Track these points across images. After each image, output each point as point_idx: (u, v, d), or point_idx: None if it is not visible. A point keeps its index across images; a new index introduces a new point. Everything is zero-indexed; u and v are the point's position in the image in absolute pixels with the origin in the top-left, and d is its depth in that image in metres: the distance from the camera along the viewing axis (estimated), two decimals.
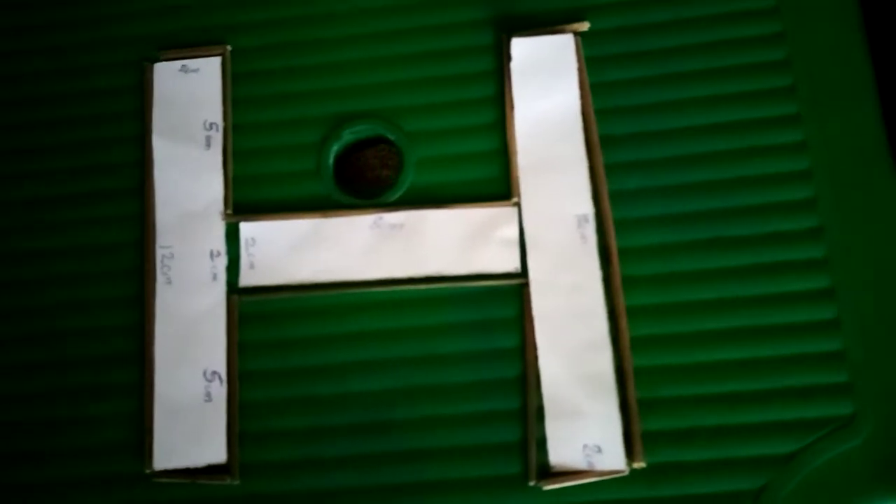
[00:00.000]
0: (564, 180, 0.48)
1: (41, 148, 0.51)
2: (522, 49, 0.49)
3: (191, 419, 0.46)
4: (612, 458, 0.44)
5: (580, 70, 0.49)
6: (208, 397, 0.46)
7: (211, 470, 0.45)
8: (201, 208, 0.49)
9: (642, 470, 0.44)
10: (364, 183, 0.50)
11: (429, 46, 0.51)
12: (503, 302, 0.47)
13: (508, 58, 0.50)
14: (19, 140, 0.52)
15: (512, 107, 0.49)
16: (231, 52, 0.52)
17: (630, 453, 0.44)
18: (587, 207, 0.47)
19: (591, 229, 0.47)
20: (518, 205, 0.48)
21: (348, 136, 0.50)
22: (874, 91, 0.48)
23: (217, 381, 0.47)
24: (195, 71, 0.51)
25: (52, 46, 0.53)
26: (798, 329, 0.45)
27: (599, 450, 0.44)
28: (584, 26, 0.50)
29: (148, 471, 0.45)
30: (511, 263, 0.47)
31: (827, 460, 0.43)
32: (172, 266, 0.48)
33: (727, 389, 0.44)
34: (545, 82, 0.49)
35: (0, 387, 0.48)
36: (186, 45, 0.52)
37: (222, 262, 0.48)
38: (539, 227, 0.47)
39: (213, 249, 0.49)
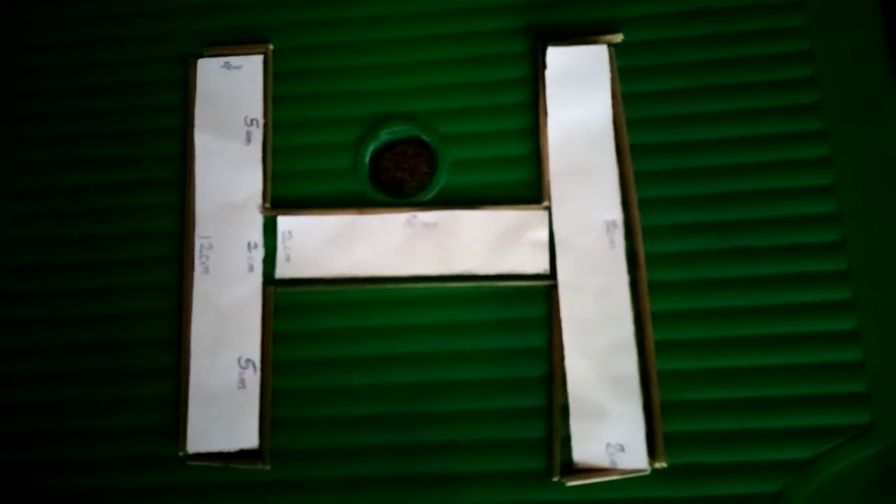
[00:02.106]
0: (595, 186, 0.48)
1: (87, 136, 0.52)
2: (557, 58, 0.50)
3: (225, 405, 0.46)
4: (634, 457, 0.44)
5: (613, 80, 0.49)
6: (242, 384, 0.47)
7: (243, 455, 0.46)
8: (240, 201, 0.49)
9: (664, 470, 0.44)
10: (378, 184, 0.50)
11: (466, 52, 0.51)
12: (532, 302, 0.47)
13: (543, 66, 0.50)
14: (65, 128, 0.52)
15: (545, 113, 0.49)
16: (273, 51, 0.52)
17: (652, 453, 0.44)
18: (616, 213, 0.47)
19: (619, 235, 0.47)
20: (549, 208, 0.48)
21: (385, 136, 0.51)
22: None
23: (251, 369, 0.47)
24: (238, 68, 0.52)
25: (100, 39, 0.53)
26: (819, 338, 0.45)
27: (622, 449, 0.44)
28: (618, 38, 0.50)
29: (182, 453, 0.46)
30: (540, 265, 0.47)
31: (844, 467, 0.43)
32: (211, 256, 0.49)
33: (748, 395, 0.45)
34: (578, 91, 0.49)
35: (40, 366, 0.48)
36: (230, 43, 0.52)
37: (259, 253, 0.49)
38: (569, 230, 0.48)
39: (251, 241, 0.49)
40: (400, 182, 0.50)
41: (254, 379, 0.47)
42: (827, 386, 0.44)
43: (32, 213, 0.51)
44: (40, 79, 0.53)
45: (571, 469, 0.44)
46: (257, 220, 0.49)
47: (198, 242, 0.49)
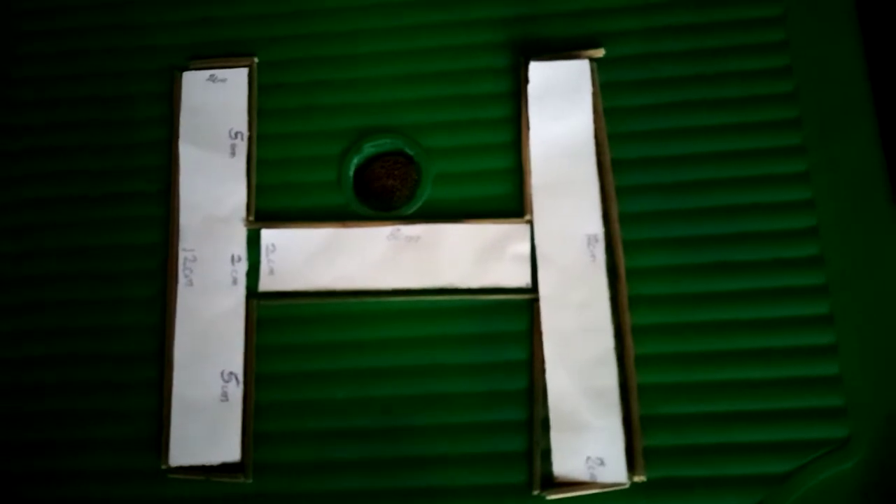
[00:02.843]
0: (576, 200, 0.48)
1: (71, 148, 0.51)
2: (539, 73, 0.50)
3: (207, 418, 0.46)
4: (614, 471, 0.44)
5: (594, 95, 0.49)
6: (225, 397, 0.46)
7: (225, 468, 0.45)
8: (224, 214, 0.49)
9: (643, 484, 0.44)
10: (369, 192, 0.50)
11: (449, 66, 0.51)
12: (513, 316, 0.47)
13: (526, 80, 0.50)
14: (50, 140, 0.52)
15: (527, 128, 0.49)
16: (258, 64, 0.52)
17: (631, 467, 0.44)
18: (597, 227, 0.47)
19: (600, 249, 0.47)
20: (531, 222, 0.48)
21: (369, 149, 0.50)
22: (875, 125, 0.48)
23: (234, 382, 0.46)
24: (223, 81, 0.51)
25: (86, 51, 0.53)
26: (797, 353, 0.45)
27: (602, 462, 0.44)
28: (600, 53, 0.50)
29: (164, 467, 0.45)
30: (522, 279, 0.47)
31: (821, 481, 0.43)
32: (194, 269, 0.48)
33: (727, 409, 0.44)
34: (560, 105, 0.49)
35: (21, 378, 0.48)
36: (216, 56, 0.52)
37: (243, 266, 0.48)
38: (550, 244, 0.47)
39: (235, 254, 0.49)
40: (391, 190, 0.50)
41: (236, 392, 0.46)
42: (805, 400, 0.44)
43: (17, 225, 0.50)
44: (25, 90, 0.53)
45: (552, 482, 0.44)
46: (241, 233, 0.49)
47: (182, 255, 0.49)
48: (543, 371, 0.45)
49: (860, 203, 0.47)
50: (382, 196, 0.50)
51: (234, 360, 0.47)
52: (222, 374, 0.47)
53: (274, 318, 0.47)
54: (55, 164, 0.51)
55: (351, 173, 0.50)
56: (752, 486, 0.43)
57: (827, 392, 0.44)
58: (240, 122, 0.51)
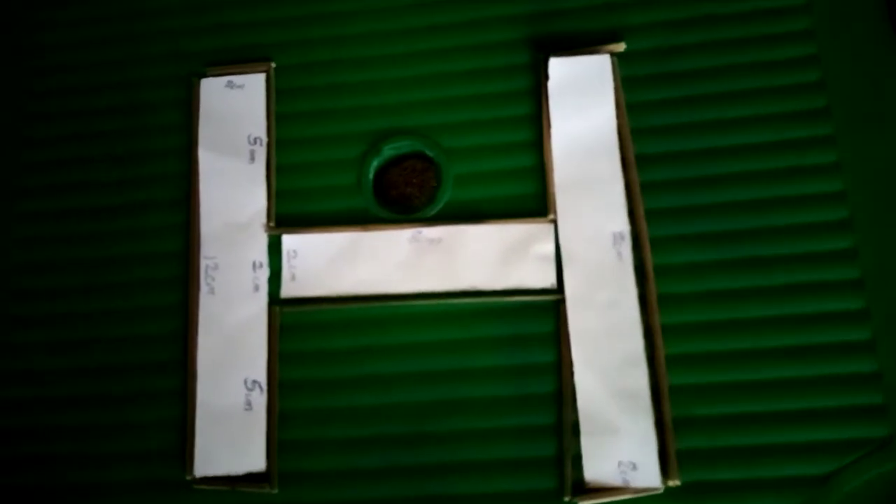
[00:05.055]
0: (601, 198, 0.45)
1: (91, 159, 0.49)
2: (560, 69, 0.47)
3: (231, 427, 0.44)
4: (647, 475, 0.41)
5: (616, 90, 0.47)
6: (249, 406, 0.44)
7: (250, 478, 0.43)
8: (245, 220, 0.47)
9: (677, 488, 0.41)
10: (386, 200, 0.48)
11: (468, 65, 0.48)
12: (539, 317, 0.44)
13: (546, 77, 0.47)
14: (70, 151, 0.50)
15: (549, 125, 0.46)
16: (275, 69, 0.49)
17: (665, 471, 0.41)
18: (623, 225, 0.44)
19: (627, 247, 0.44)
20: (554, 221, 0.45)
21: (388, 151, 0.48)
22: None
23: (257, 390, 0.44)
24: (241, 87, 0.49)
25: (104, 61, 0.51)
26: (833, 350, 0.42)
27: (635, 467, 0.41)
28: (621, 47, 0.47)
29: (189, 477, 0.43)
30: (547, 279, 0.45)
31: (863, 482, 0.40)
32: (216, 276, 0.46)
33: (763, 409, 0.41)
34: (582, 101, 0.46)
35: (46, 390, 0.46)
36: (233, 62, 0.50)
37: (264, 273, 0.46)
38: (575, 243, 0.45)
39: (256, 261, 0.46)
40: (409, 197, 0.48)
41: (260, 400, 0.44)
42: (843, 398, 0.41)
43: (38, 236, 0.48)
44: (44, 101, 0.51)
45: (583, 488, 0.41)
46: (262, 240, 0.47)
47: (203, 263, 0.46)
48: (572, 374, 0.43)
49: (894, 193, 0.44)
50: (400, 204, 0.47)
51: (258, 368, 0.44)
52: (246, 382, 0.44)
53: (297, 324, 0.45)
54: (74, 175, 0.49)
55: (371, 176, 0.48)
56: (790, 488, 0.40)
57: (866, 389, 0.41)
58: (258, 127, 0.48)
